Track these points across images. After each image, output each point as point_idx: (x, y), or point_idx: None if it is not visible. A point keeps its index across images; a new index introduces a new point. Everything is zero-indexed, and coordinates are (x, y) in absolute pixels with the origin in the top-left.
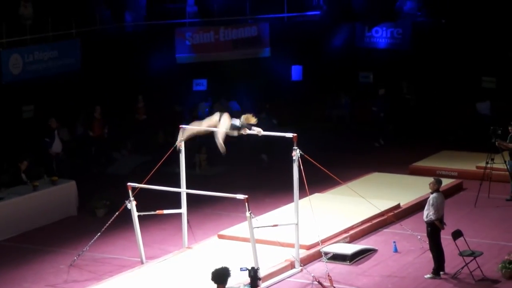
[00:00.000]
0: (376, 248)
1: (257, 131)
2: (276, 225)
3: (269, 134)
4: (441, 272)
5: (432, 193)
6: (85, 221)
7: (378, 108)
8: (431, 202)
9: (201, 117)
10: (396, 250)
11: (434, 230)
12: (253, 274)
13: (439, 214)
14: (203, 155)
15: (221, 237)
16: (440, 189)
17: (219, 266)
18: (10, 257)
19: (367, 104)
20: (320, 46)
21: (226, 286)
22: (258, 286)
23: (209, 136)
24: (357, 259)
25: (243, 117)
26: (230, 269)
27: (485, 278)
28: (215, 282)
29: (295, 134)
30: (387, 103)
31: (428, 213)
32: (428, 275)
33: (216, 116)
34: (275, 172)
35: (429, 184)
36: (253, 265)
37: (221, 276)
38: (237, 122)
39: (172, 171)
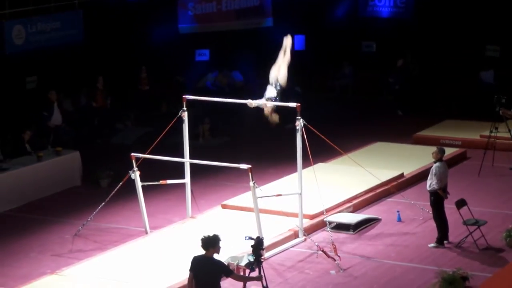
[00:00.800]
0: (380, 217)
1: (264, 103)
2: (279, 195)
3: (277, 104)
4: (445, 241)
5: (435, 162)
6: (89, 191)
7: (395, 80)
8: (434, 171)
9: (208, 88)
10: (399, 220)
11: (437, 199)
12: (256, 244)
13: (442, 183)
14: (206, 125)
15: (224, 207)
16: (444, 158)
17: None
18: (16, 227)
19: (370, 74)
20: (323, 16)
21: (230, 256)
22: (262, 256)
23: (213, 106)
24: (360, 228)
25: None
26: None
27: (489, 247)
28: (205, 248)
29: (299, 104)
30: (405, 74)
31: (431, 182)
32: (432, 244)
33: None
34: (278, 142)
35: (432, 154)
36: (257, 235)
37: (209, 241)
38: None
39: (174, 142)
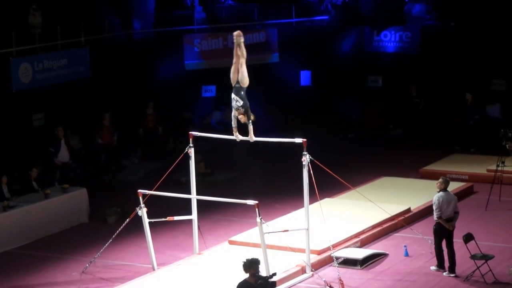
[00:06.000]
0: (387, 252)
1: (250, 136)
2: (286, 231)
3: (272, 140)
4: (443, 272)
5: (438, 192)
6: (97, 228)
7: (467, 115)
8: (434, 201)
9: (214, 126)
10: (407, 254)
11: (438, 228)
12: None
13: (442, 213)
14: (201, 163)
15: (232, 243)
16: (452, 192)
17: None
18: (23, 265)
19: (377, 108)
20: (329, 51)
21: None
22: None
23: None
24: (368, 263)
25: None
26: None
27: (497, 281)
28: (245, 270)
29: (305, 139)
30: (476, 110)
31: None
32: (434, 267)
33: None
34: (285, 178)
35: (437, 183)
36: (266, 272)
37: (247, 263)
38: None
39: (179, 180)
